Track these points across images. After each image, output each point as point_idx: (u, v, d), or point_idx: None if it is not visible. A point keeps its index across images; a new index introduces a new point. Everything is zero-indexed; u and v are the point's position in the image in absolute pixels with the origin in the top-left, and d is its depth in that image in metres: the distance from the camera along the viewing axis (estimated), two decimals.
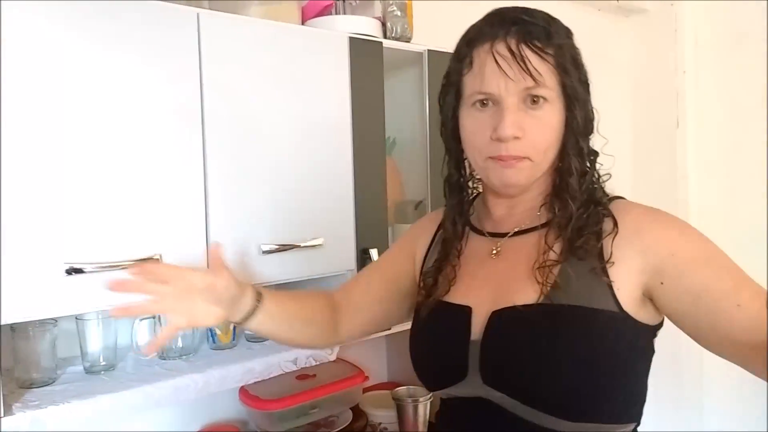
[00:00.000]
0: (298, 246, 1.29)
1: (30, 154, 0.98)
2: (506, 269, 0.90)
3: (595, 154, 0.91)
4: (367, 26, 1.46)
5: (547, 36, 0.84)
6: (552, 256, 0.85)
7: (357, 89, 1.38)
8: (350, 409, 1.55)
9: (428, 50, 1.54)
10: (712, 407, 2.51)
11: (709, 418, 2.50)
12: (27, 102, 0.97)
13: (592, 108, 0.90)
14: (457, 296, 0.93)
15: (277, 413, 1.39)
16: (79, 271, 1.01)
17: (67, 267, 1.00)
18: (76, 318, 1.19)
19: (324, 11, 1.47)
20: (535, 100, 0.84)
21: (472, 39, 0.88)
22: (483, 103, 0.86)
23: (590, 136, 0.91)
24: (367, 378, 1.54)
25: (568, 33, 0.89)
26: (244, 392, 1.43)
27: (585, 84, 0.89)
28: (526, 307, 0.83)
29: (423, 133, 1.57)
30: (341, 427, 1.49)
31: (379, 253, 1.40)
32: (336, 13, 1.48)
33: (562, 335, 0.81)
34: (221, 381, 1.21)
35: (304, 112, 1.30)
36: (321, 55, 1.33)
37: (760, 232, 2.30)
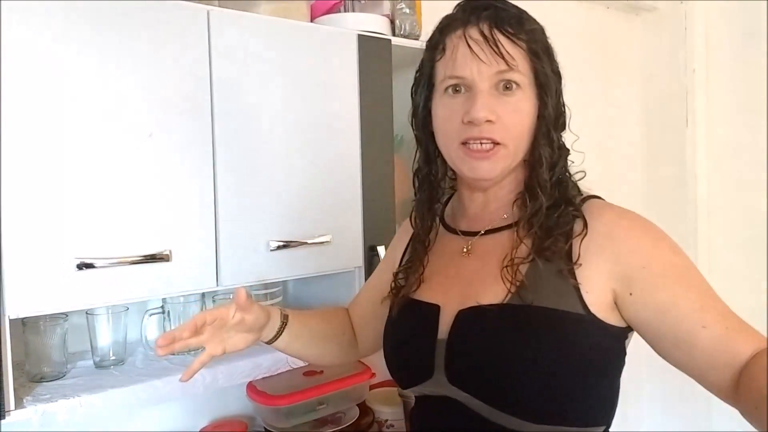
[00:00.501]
0: (306, 243, 1.29)
1: (42, 150, 0.99)
2: (476, 268, 0.90)
3: (566, 149, 0.91)
4: (375, 24, 1.46)
5: (518, 22, 0.85)
6: (520, 255, 0.84)
7: (365, 87, 1.39)
8: (357, 405, 1.55)
9: None
10: (721, 407, 2.49)
11: (719, 417, 2.49)
12: (38, 98, 0.98)
13: (563, 102, 0.90)
14: (427, 294, 0.93)
15: (285, 409, 1.40)
16: (89, 266, 1.02)
17: (78, 262, 1.01)
18: (87, 313, 1.20)
19: (333, 9, 1.48)
20: (507, 86, 0.84)
21: (445, 26, 0.88)
22: (456, 89, 0.86)
23: (562, 131, 0.90)
24: (373, 375, 1.54)
25: (539, 24, 0.89)
26: (252, 388, 1.44)
27: (557, 75, 0.89)
28: (491, 306, 0.83)
29: None
30: (348, 424, 1.50)
31: (386, 250, 1.41)
32: (345, 11, 1.49)
33: (527, 336, 0.80)
34: (229, 376, 1.22)
35: (313, 109, 1.30)
36: (330, 53, 1.33)
37: None
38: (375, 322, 1.06)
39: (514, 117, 0.84)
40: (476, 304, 0.84)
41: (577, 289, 0.80)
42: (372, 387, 1.63)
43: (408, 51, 1.51)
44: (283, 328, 1.00)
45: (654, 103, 2.67)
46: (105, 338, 1.22)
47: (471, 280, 0.89)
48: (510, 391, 0.80)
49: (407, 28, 1.52)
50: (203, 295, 1.33)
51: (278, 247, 1.25)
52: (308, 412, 1.44)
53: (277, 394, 1.41)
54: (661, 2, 2.57)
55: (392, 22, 1.53)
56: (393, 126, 1.46)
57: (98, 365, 1.21)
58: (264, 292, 1.41)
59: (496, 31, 0.83)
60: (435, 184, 0.98)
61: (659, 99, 2.65)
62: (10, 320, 0.97)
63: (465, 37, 0.84)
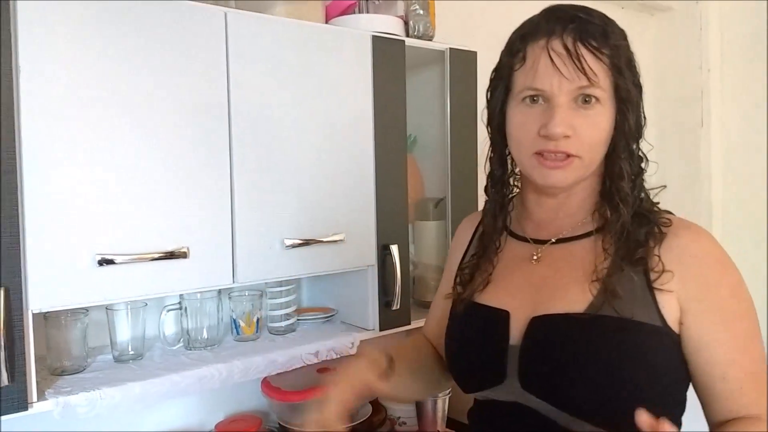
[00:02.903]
0: (321, 241, 1.31)
1: (64, 148, 1.01)
2: (548, 276, 0.90)
3: (644, 160, 0.91)
4: (389, 25, 1.48)
5: (603, 36, 0.83)
6: (602, 265, 0.85)
7: (379, 87, 1.40)
8: (369, 402, 1.57)
9: (450, 48, 1.56)
10: None
11: None
12: (58, 97, 1.01)
13: (643, 112, 0.90)
14: (493, 299, 0.93)
15: (298, 405, 1.42)
16: (110, 261, 1.05)
17: (99, 258, 1.04)
18: (106, 308, 1.23)
19: (347, 10, 1.50)
20: (587, 99, 0.83)
21: (527, 34, 0.86)
22: (533, 99, 0.85)
23: (640, 141, 0.90)
24: None
25: (623, 35, 0.88)
26: (267, 384, 1.46)
27: (638, 87, 0.88)
28: (570, 315, 0.83)
29: (444, 131, 1.59)
30: (360, 421, 1.51)
31: (400, 250, 1.43)
32: (359, 12, 1.50)
33: (607, 346, 0.81)
34: (244, 372, 1.24)
35: (327, 109, 1.32)
36: (344, 54, 1.35)
37: None
38: None
39: (590, 130, 0.84)
40: (554, 312, 0.85)
41: (656, 301, 0.82)
42: None
43: (421, 52, 1.53)
44: (389, 374, 0.96)
45: (668, 104, 2.66)
46: (124, 333, 1.25)
47: (542, 287, 0.89)
48: (587, 399, 0.81)
49: (421, 29, 1.53)
50: (219, 291, 1.35)
51: (293, 245, 1.27)
52: None
53: (291, 390, 1.43)
54: (675, 2, 2.57)
55: (406, 23, 1.54)
56: (406, 126, 1.47)
57: (117, 359, 1.24)
58: (279, 289, 1.43)
59: (579, 45, 0.82)
60: (507, 184, 0.98)
61: (674, 99, 2.64)
62: (33, 314, 1.00)
63: (548, 49, 0.83)
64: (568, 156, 0.84)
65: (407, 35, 1.53)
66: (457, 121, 1.58)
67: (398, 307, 1.44)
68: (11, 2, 0.95)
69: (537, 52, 0.84)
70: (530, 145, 0.86)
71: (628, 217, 0.86)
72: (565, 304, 0.85)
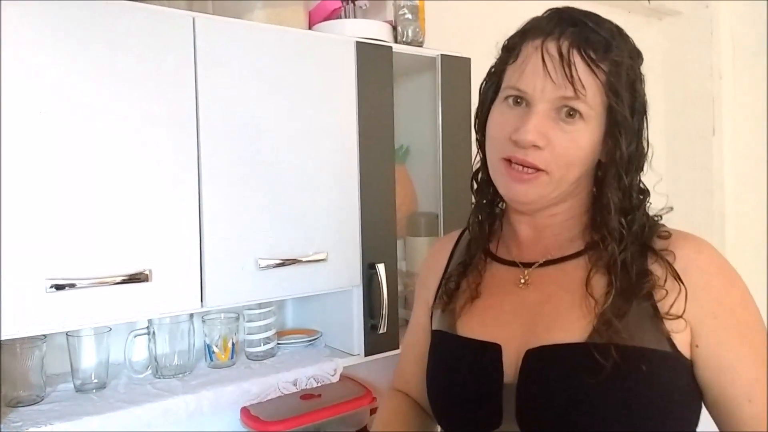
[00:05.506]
0: (300, 261, 1.22)
1: (16, 166, 0.93)
2: (540, 302, 0.81)
3: (645, 193, 0.82)
4: (376, 30, 1.40)
5: (605, 48, 0.76)
6: (599, 289, 0.76)
7: (364, 96, 1.32)
8: (357, 431, 1.48)
9: (441, 55, 1.47)
10: None
11: None
12: (11, 108, 0.93)
13: (645, 142, 0.81)
14: (481, 331, 0.83)
15: None
16: (67, 286, 0.97)
17: (55, 282, 0.96)
18: (67, 334, 1.15)
19: (332, 15, 1.42)
20: (570, 113, 0.76)
21: (527, 31, 0.81)
22: (517, 101, 0.79)
23: (639, 172, 0.81)
24: (374, 399, 1.46)
25: (633, 53, 0.80)
26: (246, 412, 1.36)
27: (639, 114, 0.80)
28: (570, 345, 0.75)
29: (436, 141, 1.50)
30: None
31: (386, 268, 1.34)
32: (345, 17, 1.42)
33: (614, 378, 0.71)
34: (214, 403, 1.15)
35: (306, 119, 1.24)
36: (325, 61, 1.27)
37: None
38: None
39: (567, 147, 0.77)
40: (547, 343, 0.76)
41: (663, 324, 0.74)
42: (373, 411, 1.55)
43: (411, 58, 1.45)
44: None
45: (678, 112, 2.56)
46: (86, 360, 1.16)
47: (534, 315, 0.80)
48: None
49: (410, 34, 1.45)
50: (191, 314, 1.27)
51: (269, 266, 1.18)
52: None
53: (270, 419, 1.33)
54: (684, 5, 2.47)
55: (394, 28, 1.46)
56: (394, 137, 1.38)
57: (79, 389, 1.15)
58: (258, 311, 1.34)
59: (575, 52, 0.75)
60: (494, 188, 0.89)
61: (684, 107, 2.55)
62: None
63: (542, 50, 0.76)
64: (537, 171, 0.77)
65: (395, 41, 1.45)
66: (450, 131, 1.49)
67: (385, 330, 1.35)
68: None
69: (530, 51, 0.78)
70: (500, 147, 0.80)
71: (618, 254, 0.77)
72: (562, 333, 0.76)
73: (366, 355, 1.35)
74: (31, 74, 0.95)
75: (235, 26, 1.16)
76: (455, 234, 1.00)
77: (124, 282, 1.02)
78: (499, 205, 0.92)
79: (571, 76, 0.74)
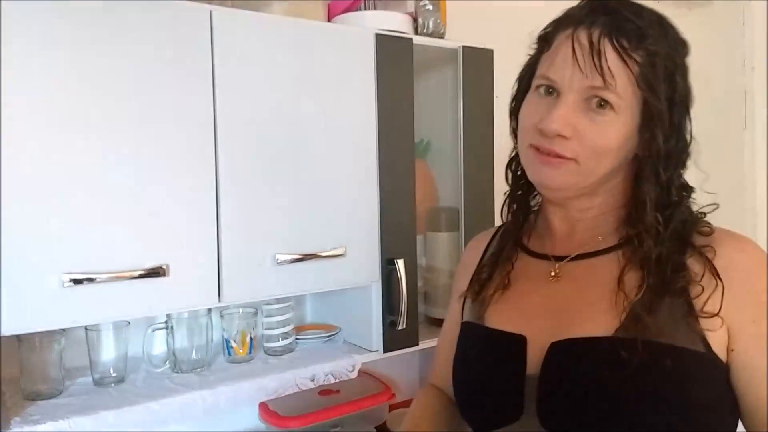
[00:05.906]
0: (318, 256, 1.21)
1: (34, 160, 0.93)
2: (569, 295, 0.80)
3: (687, 189, 0.79)
4: (396, 22, 1.37)
5: (639, 37, 0.73)
6: (631, 284, 0.74)
7: (384, 89, 1.30)
8: (375, 427, 1.46)
9: (463, 47, 1.44)
10: None
11: None
12: (29, 105, 0.93)
13: (687, 136, 0.78)
14: (508, 323, 0.82)
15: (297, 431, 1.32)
16: (81, 281, 0.96)
17: (70, 278, 0.96)
18: (86, 328, 1.15)
19: (351, 7, 1.40)
20: (601, 104, 0.74)
21: (562, 20, 0.80)
22: (548, 90, 0.77)
23: (679, 168, 0.79)
24: (393, 395, 1.45)
25: (674, 44, 0.77)
26: (264, 407, 1.36)
27: (680, 107, 0.77)
28: (595, 339, 0.73)
29: (457, 135, 1.47)
30: None
31: (406, 264, 1.32)
32: (365, 9, 1.40)
33: (638, 373, 0.69)
34: (231, 399, 1.15)
35: (325, 113, 1.22)
36: (344, 54, 1.25)
37: None
38: None
39: (595, 138, 0.74)
40: (576, 336, 0.75)
41: (698, 323, 0.71)
42: (392, 407, 1.54)
43: (433, 50, 1.42)
44: None
45: (709, 105, 2.46)
46: (105, 354, 1.16)
47: (563, 309, 0.79)
48: None
49: (431, 26, 1.42)
50: (209, 309, 1.26)
51: (286, 261, 1.17)
52: None
53: (288, 415, 1.33)
54: None
55: (415, 19, 1.43)
56: (414, 130, 1.36)
57: (97, 383, 1.16)
58: (276, 306, 1.33)
59: (606, 40, 0.73)
60: (527, 179, 0.88)
61: (715, 99, 2.46)
62: (5, 337, 0.92)
63: (572, 39, 0.74)
64: (563, 158, 0.75)
65: (416, 33, 1.42)
66: (472, 125, 1.46)
67: (404, 326, 1.33)
68: None
69: (562, 40, 0.77)
70: (528, 135, 0.79)
71: (654, 247, 0.74)
72: (590, 326, 0.74)
73: (385, 352, 1.33)
74: (48, 69, 0.94)
75: (252, 19, 1.15)
76: (491, 230, 1.00)
77: (141, 276, 1.02)
78: (535, 197, 0.91)
79: (600, 65, 0.72)
